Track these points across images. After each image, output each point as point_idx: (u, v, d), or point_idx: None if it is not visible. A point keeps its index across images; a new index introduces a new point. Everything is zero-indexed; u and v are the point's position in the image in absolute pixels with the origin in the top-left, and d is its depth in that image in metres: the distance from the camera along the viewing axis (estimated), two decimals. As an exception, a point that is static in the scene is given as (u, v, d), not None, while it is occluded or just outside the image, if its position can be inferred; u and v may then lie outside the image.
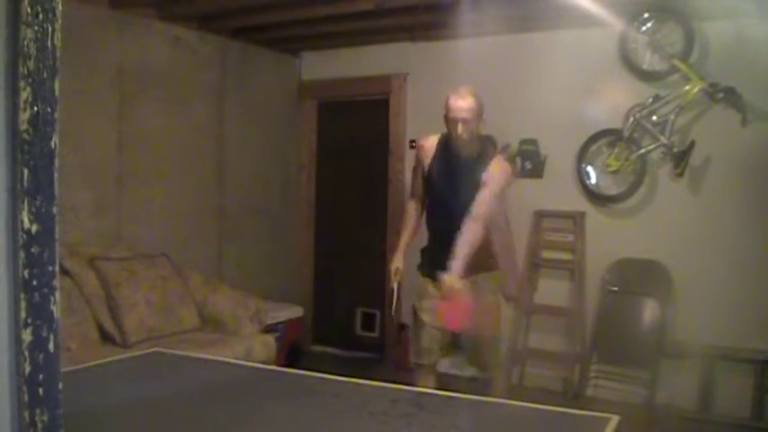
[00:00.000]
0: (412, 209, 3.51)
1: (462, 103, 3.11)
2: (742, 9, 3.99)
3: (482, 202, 3.14)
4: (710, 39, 4.21)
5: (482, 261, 3.25)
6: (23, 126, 0.72)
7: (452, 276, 3.08)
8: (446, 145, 3.29)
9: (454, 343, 3.49)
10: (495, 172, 3.19)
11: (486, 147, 3.31)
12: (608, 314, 4.52)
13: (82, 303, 3.75)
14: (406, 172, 5.39)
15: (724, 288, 4.08)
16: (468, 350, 3.46)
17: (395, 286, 3.50)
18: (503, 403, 1.96)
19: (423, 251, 3.49)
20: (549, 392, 4.55)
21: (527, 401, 1.96)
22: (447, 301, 3.14)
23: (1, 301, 0.71)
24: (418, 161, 3.43)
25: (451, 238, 3.15)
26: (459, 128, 3.11)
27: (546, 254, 4.80)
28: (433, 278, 3.24)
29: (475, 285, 3.19)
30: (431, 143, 3.34)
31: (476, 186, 3.16)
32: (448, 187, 3.27)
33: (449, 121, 3.17)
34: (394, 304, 3.54)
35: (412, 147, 5.35)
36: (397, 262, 3.47)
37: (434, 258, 3.26)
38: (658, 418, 4.11)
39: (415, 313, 3.44)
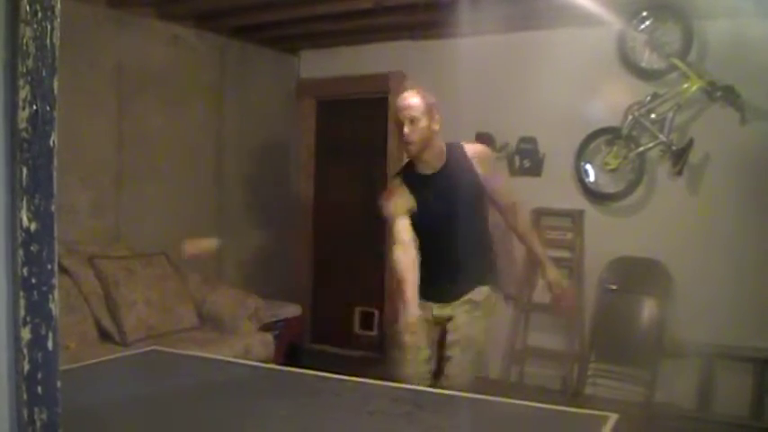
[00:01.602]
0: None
1: (407, 102, 2.82)
2: (741, 8, 3.99)
3: (505, 191, 2.96)
4: (709, 37, 4.21)
5: (481, 271, 2.96)
6: (22, 124, 0.72)
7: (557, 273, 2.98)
8: (411, 172, 2.94)
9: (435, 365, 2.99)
10: (480, 155, 2.90)
11: (450, 146, 2.90)
12: (607, 312, 4.53)
13: (81, 302, 3.75)
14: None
15: (723, 286, 4.09)
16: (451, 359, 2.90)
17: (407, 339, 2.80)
18: (502, 402, 1.96)
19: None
20: (548, 391, 4.55)
21: (525, 400, 1.97)
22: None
23: (0, 300, 0.71)
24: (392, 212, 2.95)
25: (453, 265, 2.89)
26: (407, 128, 2.79)
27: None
28: (435, 301, 2.93)
29: (474, 303, 2.90)
30: (395, 185, 2.97)
31: (465, 189, 2.84)
32: (435, 207, 2.88)
33: (397, 124, 2.85)
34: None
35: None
36: (415, 309, 2.76)
37: (437, 286, 2.92)
38: (657, 416, 4.12)
39: (401, 337, 2.89)
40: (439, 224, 2.89)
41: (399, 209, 2.92)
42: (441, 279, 2.94)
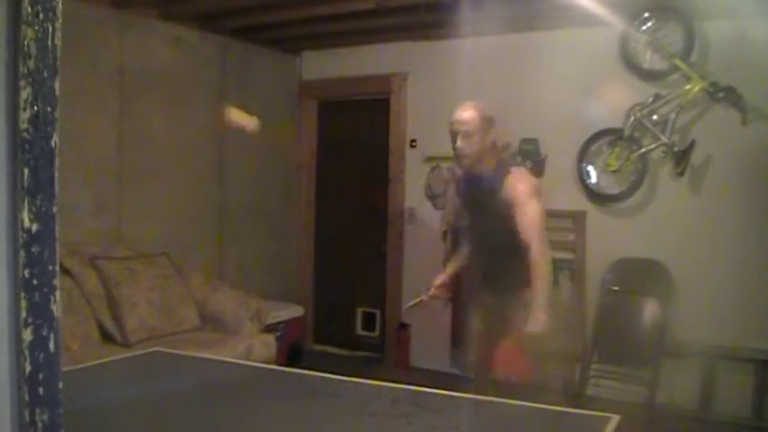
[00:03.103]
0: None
1: (461, 115, 2.93)
2: (742, 9, 3.99)
3: (529, 227, 2.82)
4: (711, 38, 4.21)
5: (527, 275, 2.94)
6: (24, 125, 0.72)
7: (537, 326, 2.73)
8: (470, 171, 3.08)
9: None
10: (517, 186, 2.90)
11: (502, 163, 3.03)
12: (608, 313, 4.52)
13: (82, 303, 3.75)
14: (406, 172, 5.40)
15: (724, 287, 4.08)
16: None
17: (424, 298, 3.18)
18: (503, 403, 1.96)
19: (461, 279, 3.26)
20: (549, 392, 4.54)
21: (527, 401, 1.96)
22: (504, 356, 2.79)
23: (1, 301, 0.71)
24: (452, 192, 3.27)
25: (485, 267, 3.02)
26: (459, 141, 2.92)
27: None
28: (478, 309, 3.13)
29: (522, 304, 2.88)
30: (462, 170, 3.21)
31: (497, 206, 2.92)
32: (473, 212, 3.13)
33: (451, 135, 2.98)
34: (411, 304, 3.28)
35: (412, 146, 5.36)
36: (441, 278, 3.20)
37: (476, 290, 3.12)
38: (659, 417, 4.11)
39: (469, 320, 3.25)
40: (479, 230, 3.09)
41: (452, 199, 3.24)
42: (476, 283, 3.09)
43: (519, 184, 2.91)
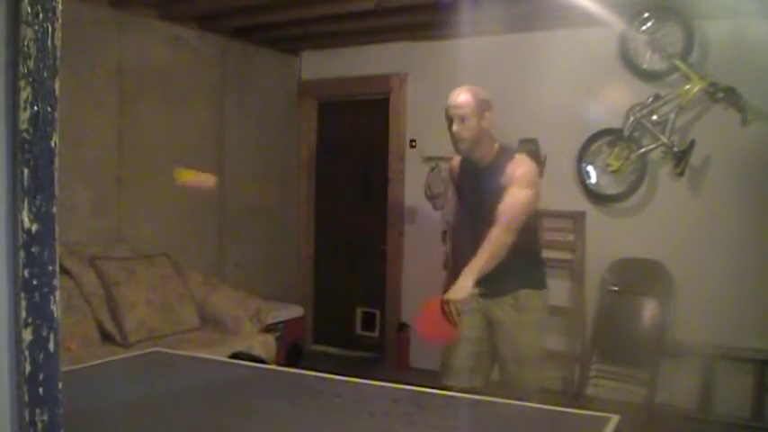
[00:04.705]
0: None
1: (455, 99, 2.89)
2: (742, 9, 3.99)
3: (508, 207, 2.80)
4: (710, 38, 4.21)
5: (525, 274, 2.98)
6: (24, 125, 0.72)
7: (458, 292, 2.69)
8: (465, 157, 3.05)
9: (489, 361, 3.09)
10: (517, 170, 2.85)
11: (504, 150, 2.98)
12: (608, 314, 4.52)
13: (82, 303, 3.75)
14: (406, 172, 5.40)
15: (724, 287, 4.09)
16: (507, 369, 3.01)
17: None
18: (503, 403, 1.96)
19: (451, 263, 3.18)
20: (549, 392, 4.55)
21: (527, 401, 1.96)
22: (425, 315, 2.77)
23: (1, 301, 0.71)
24: (450, 182, 3.17)
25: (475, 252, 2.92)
26: (455, 125, 2.88)
27: (546, 253, 4.78)
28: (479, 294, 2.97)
29: (516, 303, 2.95)
30: (456, 160, 3.14)
31: (498, 193, 2.88)
32: (472, 199, 3.05)
33: (447, 121, 2.94)
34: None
35: (412, 146, 5.36)
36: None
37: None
38: (658, 417, 4.11)
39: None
40: (478, 217, 2.94)
41: (452, 187, 3.11)
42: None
43: (519, 169, 2.85)
